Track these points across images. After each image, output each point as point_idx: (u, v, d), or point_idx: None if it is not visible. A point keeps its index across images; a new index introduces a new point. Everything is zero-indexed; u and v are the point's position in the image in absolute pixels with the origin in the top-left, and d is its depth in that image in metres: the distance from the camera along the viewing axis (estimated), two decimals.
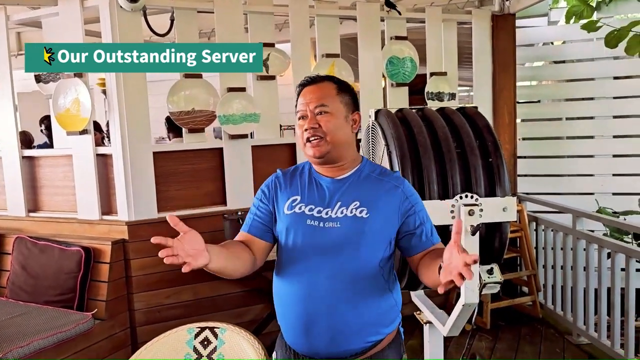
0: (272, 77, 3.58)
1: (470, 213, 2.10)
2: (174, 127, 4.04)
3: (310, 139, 1.53)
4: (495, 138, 2.33)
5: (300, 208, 1.57)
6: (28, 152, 3.66)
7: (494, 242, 2.27)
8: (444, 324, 2.44)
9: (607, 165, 4.55)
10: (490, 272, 2.23)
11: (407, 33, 4.01)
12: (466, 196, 2.17)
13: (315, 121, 1.53)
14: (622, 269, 3.16)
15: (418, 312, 2.75)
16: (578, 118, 4.68)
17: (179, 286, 3.36)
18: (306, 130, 1.53)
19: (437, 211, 2.16)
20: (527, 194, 4.44)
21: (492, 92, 4.33)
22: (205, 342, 1.95)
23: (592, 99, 4.59)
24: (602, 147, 4.56)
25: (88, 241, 3.27)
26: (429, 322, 2.60)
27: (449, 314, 2.38)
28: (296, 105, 1.61)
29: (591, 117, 4.61)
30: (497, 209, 2.19)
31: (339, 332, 1.51)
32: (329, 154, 1.54)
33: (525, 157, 4.68)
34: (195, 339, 1.96)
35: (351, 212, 1.52)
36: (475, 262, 1.21)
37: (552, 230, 3.91)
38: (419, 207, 1.58)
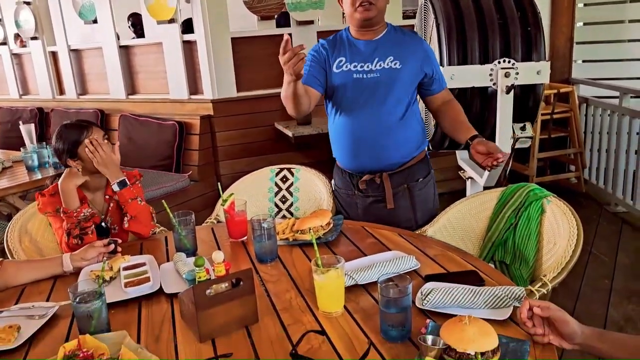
0: None
1: (506, 75, 2.45)
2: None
3: (364, 3, 1.86)
4: (536, 9, 2.58)
5: (346, 66, 1.97)
6: (124, 42, 4.21)
7: (528, 102, 2.60)
8: (482, 177, 2.86)
9: None
10: (523, 128, 2.60)
11: None
12: (504, 61, 2.48)
13: None
14: None
15: (462, 171, 3.18)
16: None
17: (256, 156, 3.92)
18: None
19: (477, 74, 2.51)
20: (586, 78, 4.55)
21: None
22: (284, 179, 2.49)
23: None
24: None
25: (180, 117, 3.86)
26: (470, 178, 3.03)
27: None
28: None
29: None
30: (532, 72, 2.50)
31: (379, 151, 1.99)
32: (375, 18, 1.91)
33: (585, 43, 4.74)
34: (276, 177, 2.50)
35: (387, 65, 1.95)
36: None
37: (600, 114, 4.11)
38: (434, 59, 2.03)
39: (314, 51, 2.05)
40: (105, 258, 1.62)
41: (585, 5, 4.78)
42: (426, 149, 2.12)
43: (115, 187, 1.86)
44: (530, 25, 2.54)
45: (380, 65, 1.94)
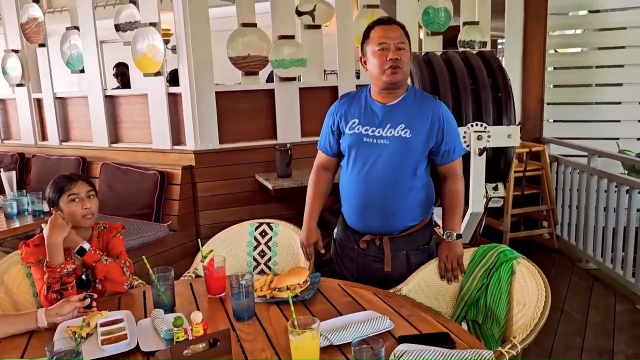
0: (318, 27, 4.02)
1: (479, 138, 2.57)
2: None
3: (393, 67, 1.92)
4: (506, 77, 2.73)
5: (358, 129, 2.04)
6: (110, 92, 4.28)
7: (499, 163, 2.72)
8: None
9: (633, 112, 4.78)
10: (495, 188, 2.70)
11: None
12: (476, 124, 2.61)
13: (398, 54, 1.92)
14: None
15: (437, 227, 3.25)
16: (608, 66, 4.89)
17: (236, 207, 3.95)
18: (390, 59, 1.91)
19: None
20: (555, 137, 4.75)
21: (523, 41, 4.62)
22: (263, 233, 2.53)
23: (622, 47, 4.79)
24: (629, 94, 4.79)
25: (162, 167, 3.90)
26: None
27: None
28: (366, 38, 2.00)
29: (621, 65, 4.82)
30: (503, 136, 2.63)
31: (385, 215, 2.04)
32: (400, 81, 1.98)
33: (555, 104, 4.98)
34: (255, 231, 2.54)
35: (397, 133, 1.98)
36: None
37: (570, 172, 4.28)
38: (447, 129, 2.02)
39: (331, 114, 2.14)
40: (82, 315, 1.62)
41: (555, 69, 5.06)
42: (432, 214, 2.17)
43: (77, 256, 1.89)
44: (500, 91, 2.69)
45: (390, 133, 1.98)
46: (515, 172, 4.19)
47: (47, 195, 1.96)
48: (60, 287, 1.78)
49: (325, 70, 4.50)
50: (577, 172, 4.18)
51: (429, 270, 2.07)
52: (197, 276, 2.25)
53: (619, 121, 4.86)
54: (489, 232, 4.32)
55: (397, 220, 2.06)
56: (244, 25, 3.82)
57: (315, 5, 3.94)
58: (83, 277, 1.91)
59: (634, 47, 4.73)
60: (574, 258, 4.18)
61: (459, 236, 2.08)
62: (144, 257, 1.78)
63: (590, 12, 5.04)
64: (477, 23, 4.43)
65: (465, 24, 4.43)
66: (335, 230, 2.27)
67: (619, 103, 4.86)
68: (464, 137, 2.62)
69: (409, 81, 2.81)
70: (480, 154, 2.54)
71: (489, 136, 2.59)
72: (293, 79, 3.97)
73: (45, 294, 1.77)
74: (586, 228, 4.02)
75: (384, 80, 1.96)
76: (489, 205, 2.72)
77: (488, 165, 2.63)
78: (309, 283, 1.88)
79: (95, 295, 1.74)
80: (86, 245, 1.91)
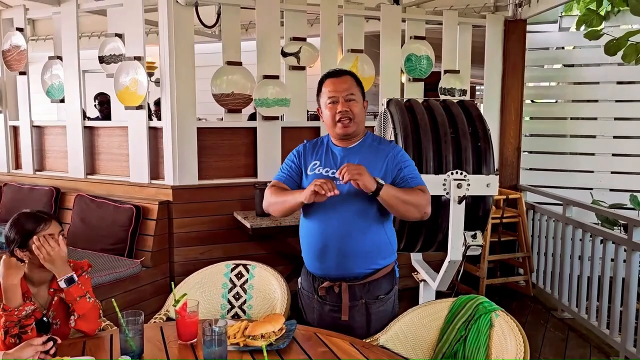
0: (303, 68, 4.07)
1: (459, 186, 2.59)
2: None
3: (342, 119, 2.01)
4: (485, 126, 2.78)
5: (319, 170, 2.10)
6: (89, 123, 4.23)
7: (478, 211, 2.73)
8: (435, 281, 2.91)
9: (606, 163, 4.90)
10: (474, 236, 2.70)
11: (425, 33, 4.45)
12: (456, 172, 2.63)
13: (347, 106, 2.01)
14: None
15: (415, 273, 3.23)
16: (582, 118, 5.04)
17: (211, 245, 3.88)
18: (339, 112, 2.00)
19: (431, 183, 2.62)
20: (531, 185, 4.83)
21: (501, 91, 4.74)
22: (239, 275, 2.47)
23: (596, 101, 4.95)
24: (602, 146, 4.92)
25: (138, 201, 3.82)
26: (423, 280, 3.08)
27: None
28: (319, 91, 2.11)
29: (594, 118, 4.97)
30: (482, 185, 2.65)
31: (344, 258, 2.01)
32: (354, 132, 2.06)
33: (531, 152, 5.09)
34: (231, 272, 2.48)
35: None
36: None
37: (545, 220, 4.33)
38: (405, 165, 2.06)
39: (296, 152, 2.18)
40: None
41: (531, 118, 5.19)
42: (394, 262, 2.14)
43: (63, 284, 1.80)
44: (480, 140, 2.73)
45: None
46: (492, 218, 4.21)
47: (9, 234, 1.82)
48: (19, 331, 1.69)
49: (308, 111, 4.52)
50: (552, 221, 4.23)
51: (408, 320, 2.04)
52: (169, 319, 2.17)
53: (592, 172, 4.97)
54: (466, 278, 4.32)
55: (356, 262, 2.02)
56: (229, 63, 3.84)
57: (300, 48, 4.00)
58: (44, 319, 1.83)
59: (606, 101, 4.89)
60: (550, 306, 4.18)
61: (379, 187, 1.90)
62: (113, 300, 1.72)
63: (565, 65, 5.22)
64: (457, 72, 4.54)
65: (446, 71, 4.53)
66: (299, 279, 2.26)
67: (593, 154, 4.98)
68: (444, 184, 2.63)
69: (390, 126, 2.85)
70: (459, 202, 2.56)
71: (468, 184, 2.61)
72: (276, 118, 3.98)
73: (3, 338, 1.68)
74: (561, 276, 4.04)
75: (337, 132, 2.06)
76: (467, 253, 2.71)
77: (467, 213, 2.64)
78: (284, 331, 1.82)
79: (59, 341, 1.66)
80: (75, 277, 1.82)
